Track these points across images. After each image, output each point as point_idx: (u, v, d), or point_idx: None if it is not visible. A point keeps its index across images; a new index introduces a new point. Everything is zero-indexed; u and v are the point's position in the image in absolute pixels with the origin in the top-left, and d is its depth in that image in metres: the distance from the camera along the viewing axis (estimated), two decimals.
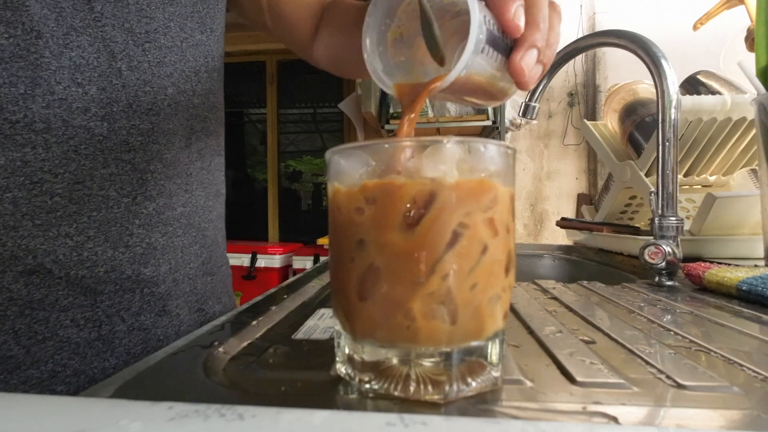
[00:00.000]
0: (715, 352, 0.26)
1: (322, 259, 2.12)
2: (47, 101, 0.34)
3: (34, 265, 0.34)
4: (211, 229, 0.47)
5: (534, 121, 2.44)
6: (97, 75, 0.36)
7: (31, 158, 0.33)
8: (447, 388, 0.19)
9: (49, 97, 0.34)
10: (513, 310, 0.36)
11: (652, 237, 0.52)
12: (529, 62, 0.28)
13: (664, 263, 0.48)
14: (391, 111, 2.09)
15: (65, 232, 0.35)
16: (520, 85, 0.29)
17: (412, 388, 0.20)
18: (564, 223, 0.97)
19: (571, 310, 0.37)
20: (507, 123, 2.12)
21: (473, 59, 0.25)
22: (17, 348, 0.34)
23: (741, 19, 0.81)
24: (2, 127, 0.33)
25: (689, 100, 0.72)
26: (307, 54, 0.59)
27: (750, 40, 0.76)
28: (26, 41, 0.33)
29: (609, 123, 0.96)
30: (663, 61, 0.52)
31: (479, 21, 0.25)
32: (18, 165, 0.33)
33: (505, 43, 0.28)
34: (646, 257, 0.49)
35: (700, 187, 0.83)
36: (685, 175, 0.82)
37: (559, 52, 0.66)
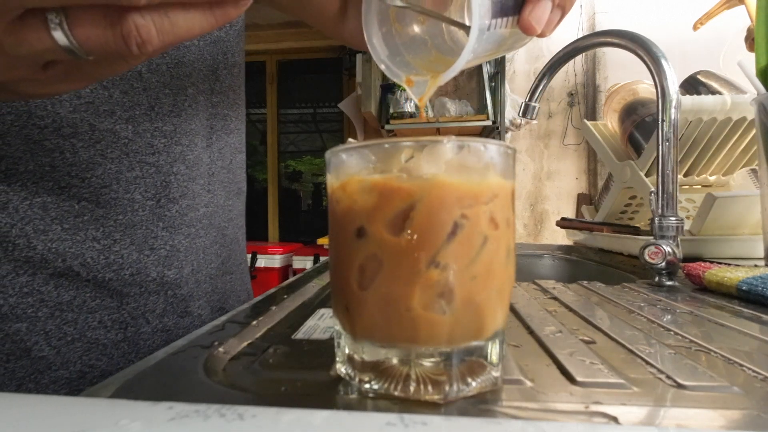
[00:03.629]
0: (715, 352, 0.26)
1: (322, 259, 2.12)
2: (74, 105, 0.34)
3: (63, 268, 0.34)
4: (231, 228, 0.48)
5: (534, 121, 2.44)
6: (119, 78, 0.36)
7: (60, 163, 0.34)
8: (447, 388, 0.19)
9: (75, 101, 0.34)
10: (513, 310, 0.36)
11: (652, 237, 0.52)
12: (541, 15, 0.27)
13: (664, 263, 0.48)
14: (391, 111, 2.09)
15: (92, 236, 0.35)
16: (538, 36, 0.28)
17: (412, 388, 0.20)
18: (564, 223, 0.97)
19: (571, 310, 0.37)
20: (507, 123, 2.12)
21: (479, 44, 0.24)
22: (48, 349, 0.34)
23: (741, 19, 0.81)
24: (31, 132, 0.33)
25: (689, 100, 0.72)
26: (336, 30, 0.55)
27: (750, 40, 0.76)
28: None
29: (609, 123, 0.96)
30: (663, 61, 0.52)
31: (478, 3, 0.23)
32: (47, 170, 0.34)
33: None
34: (646, 257, 0.49)
35: (700, 187, 0.83)
36: (685, 175, 0.82)
37: (559, 52, 0.66)
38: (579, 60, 2.50)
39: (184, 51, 0.40)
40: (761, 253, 0.56)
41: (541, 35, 0.29)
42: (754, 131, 0.71)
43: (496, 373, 0.21)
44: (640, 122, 0.85)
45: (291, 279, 0.53)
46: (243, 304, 0.49)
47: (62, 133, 0.34)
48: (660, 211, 0.52)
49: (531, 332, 0.30)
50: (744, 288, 0.40)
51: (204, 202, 0.43)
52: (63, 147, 0.34)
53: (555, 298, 0.41)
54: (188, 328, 0.42)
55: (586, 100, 2.52)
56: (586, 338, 0.29)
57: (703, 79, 0.87)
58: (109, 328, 0.37)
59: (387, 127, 2.09)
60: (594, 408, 0.19)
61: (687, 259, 0.55)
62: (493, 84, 2.25)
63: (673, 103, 0.52)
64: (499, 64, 2.09)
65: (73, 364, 0.35)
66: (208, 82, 0.43)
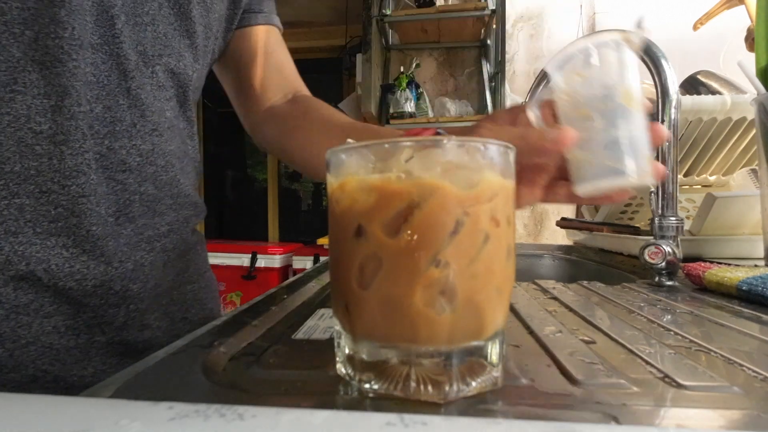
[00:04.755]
0: (715, 352, 0.26)
1: (322, 259, 2.12)
2: (72, 112, 0.34)
3: (26, 271, 0.34)
4: (190, 240, 0.47)
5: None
6: (105, 93, 0.37)
7: (46, 168, 0.34)
8: (447, 388, 0.19)
9: (75, 108, 0.35)
10: (513, 310, 0.36)
11: (652, 237, 0.52)
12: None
13: (664, 263, 0.48)
14: (391, 111, 2.09)
15: (63, 243, 0.35)
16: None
17: (412, 388, 0.20)
18: (564, 223, 0.97)
19: (571, 310, 0.37)
20: None
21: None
22: (1, 351, 0.34)
23: (741, 19, 0.81)
24: (25, 136, 0.33)
25: (689, 100, 0.72)
26: (250, 119, 0.60)
27: (750, 40, 0.76)
28: (55, 51, 0.34)
29: None
30: (663, 61, 0.52)
31: None
32: (32, 174, 0.34)
33: None
34: (646, 257, 0.49)
35: (700, 187, 0.83)
36: (685, 175, 0.81)
37: (559, 52, 0.66)
38: None
39: (168, 75, 0.42)
40: (761, 253, 0.56)
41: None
42: (754, 131, 0.71)
43: (496, 373, 0.21)
44: None
45: (291, 279, 0.53)
46: (211, 313, 0.49)
47: (55, 140, 0.34)
48: (660, 211, 0.52)
49: (531, 332, 0.30)
50: (744, 288, 0.40)
51: (167, 221, 0.43)
52: (52, 153, 0.34)
53: (555, 298, 0.41)
54: (147, 341, 0.41)
55: None
56: (586, 338, 0.29)
57: (703, 79, 0.87)
58: (63, 334, 0.36)
59: (387, 127, 2.09)
60: (594, 408, 0.19)
61: (687, 259, 0.55)
62: (493, 84, 2.25)
63: (673, 103, 0.52)
64: (499, 64, 2.09)
65: (25, 368, 0.35)
66: (183, 108, 0.45)
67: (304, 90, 0.62)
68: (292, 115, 0.56)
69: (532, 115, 0.36)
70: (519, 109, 0.39)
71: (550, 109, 0.37)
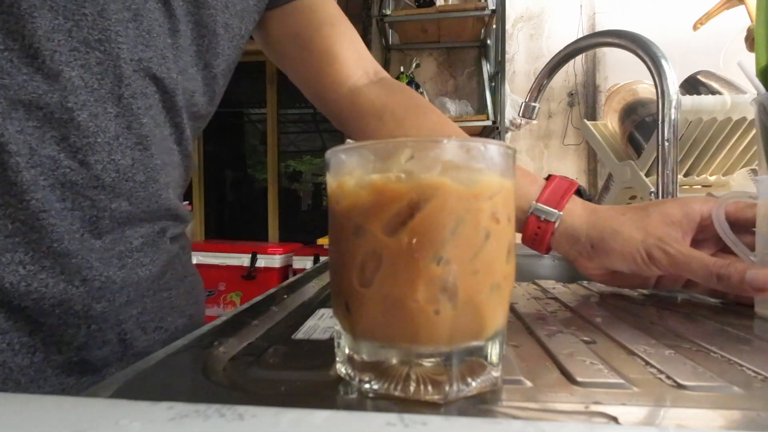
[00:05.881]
0: (715, 352, 0.26)
1: (322, 259, 2.12)
2: (22, 125, 0.32)
3: None
4: (170, 249, 0.44)
5: (534, 121, 2.44)
6: (93, 99, 0.34)
7: (2, 180, 0.32)
8: (447, 388, 0.19)
9: (25, 122, 0.32)
10: (513, 310, 0.36)
11: None
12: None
13: None
14: None
15: (19, 259, 0.33)
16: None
17: (412, 388, 0.20)
18: None
19: (571, 310, 0.37)
20: (507, 123, 2.12)
21: None
22: None
23: (741, 19, 0.81)
24: None
25: (689, 100, 0.72)
26: (331, 106, 0.53)
27: (750, 40, 0.76)
28: (22, 56, 0.31)
29: (609, 123, 0.96)
30: (663, 61, 0.52)
31: None
32: None
33: None
34: None
35: (700, 187, 0.83)
36: (685, 175, 0.82)
37: (559, 52, 0.66)
38: (579, 60, 2.50)
39: (157, 89, 0.38)
40: None
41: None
42: (754, 131, 0.71)
43: (496, 373, 0.21)
44: (640, 122, 0.86)
45: (291, 279, 0.53)
46: (191, 320, 0.46)
47: (8, 149, 0.32)
48: None
49: (531, 332, 0.30)
50: None
51: (141, 233, 0.39)
52: (7, 164, 0.32)
53: (555, 298, 0.41)
54: (115, 354, 0.38)
55: (586, 100, 2.52)
56: (586, 338, 0.29)
57: (703, 79, 0.87)
58: (17, 352, 0.34)
59: None
60: (594, 408, 0.19)
61: None
62: (493, 84, 2.25)
63: (673, 103, 0.52)
64: (499, 64, 2.09)
65: None
66: (172, 121, 0.41)
67: (383, 71, 0.55)
68: (392, 105, 0.49)
69: (719, 225, 0.36)
70: (696, 208, 0.37)
71: (739, 216, 0.37)
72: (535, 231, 0.42)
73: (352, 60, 0.52)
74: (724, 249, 0.39)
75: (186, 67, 0.41)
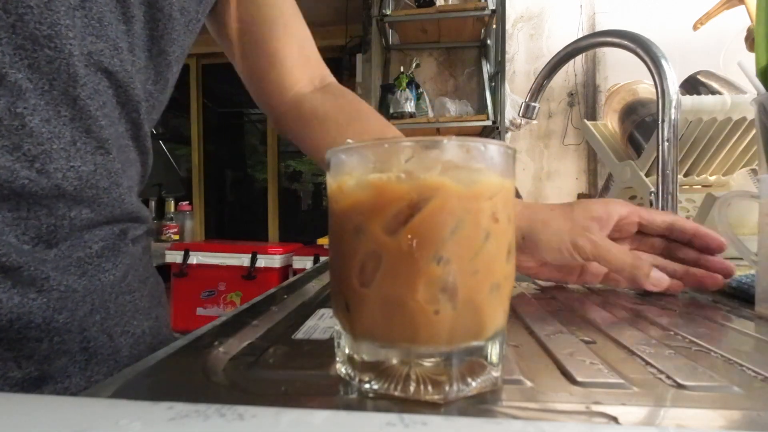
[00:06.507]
0: (715, 352, 0.26)
1: (322, 259, 2.12)
2: None
3: None
4: (133, 252, 0.41)
5: (534, 121, 2.44)
6: (44, 102, 0.31)
7: None
8: (447, 388, 0.19)
9: None
10: (513, 310, 0.36)
11: None
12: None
13: None
14: (391, 111, 2.09)
15: None
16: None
17: (412, 388, 0.20)
18: None
19: (571, 310, 0.37)
20: (507, 123, 2.12)
21: None
22: None
23: (741, 19, 0.81)
24: None
25: (689, 100, 0.72)
26: (274, 111, 0.52)
27: (750, 40, 0.76)
28: None
29: (609, 123, 0.96)
30: (663, 61, 0.52)
31: None
32: None
33: None
34: None
35: (700, 187, 0.83)
36: (685, 175, 0.81)
37: (559, 52, 0.66)
38: (579, 60, 2.50)
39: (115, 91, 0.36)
40: None
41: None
42: (754, 131, 0.71)
43: (496, 374, 0.21)
44: (640, 122, 0.85)
45: (291, 279, 0.53)
46: (157, 321, 0.44)
47: None
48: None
49: (531, 332, 0.30)
50: (733, 285, 0.41)
51: (100, 236, 0.37)
52: None
53: (555, 298, 0.41)
54: (68, 369, 0.36)
55: (586, 100, 2.52)
56: (586, 338, 0.29)
57: (703, 79, 0.87)
58: None
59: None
60: (594, 408, 0.19)
61: None
62: (493, 84, 2.25)
63: (673, 103, 0.52)
64: (499, 64, 2.09)
65: None
66: (128, 106, 0.38)
67: (330, 75, 0.54)
68: (335, 112, 0.48)
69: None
70: (616, 208, 0.42)
71: (650, 220, 0.43)
72: None
73: (299, 66, 0.51)
74: (637, 249, 0.44)
75: (140, 55, 0.38)
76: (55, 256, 0.34)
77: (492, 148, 0.21)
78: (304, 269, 1.72)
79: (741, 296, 0.40)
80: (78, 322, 0.35)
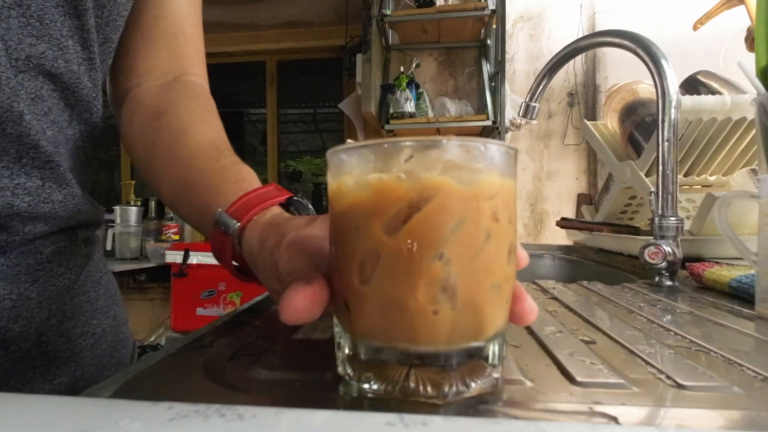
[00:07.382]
0: (715, 352, 0.26)
1: None
2: None
3: None
4: (86, 253, 0.40)
5: (534, 121, 2.44)
6: None
7: None
8: (446, 389, 0.19)
9: None
10: None
11: (652, 237, 0.52)
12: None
13: (664, 263, 0.48)
14: (391, 111, 2.09)
15: None
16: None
17: (411, 389, 0.19)
18: (564, 223, 0.97)
19: (571, 310, 0.37)
20: (507, 123, 2.12)
21: None
22: None
23: (741, 19, 0.81)
24: None
25: (689, 100, 0.72)
26: (113, 100, 0.44)
27: (750, 40, 0.76)
28: None
29: (609, 123, 0.96)
30: (663, 61, 0.52)
31: None
32: None
33: None
34: (646, 257, 0.49)
35: (700, 187, 0.83)
36: (685, 175, 0.81)
37: (559, 52, 0.66)
38: (579, 60, 2.50)
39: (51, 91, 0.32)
40: None
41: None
42: (754, 131, 0.71)
43: (496, 374, 0.21)
44: (640, 122, 0.85)
45: None
46: (116, 319, 0.43)
47: None
48: (660, 211, 0.52)
49: (531, 332, 0.30)
50: (734, 285, 0.41)
51: (51, 240, 0.35)
52: None
53: (555, 298, 0.41)
54: (28, 376, 0.34)
55: (586, 100, 2.52)
56: (586, 338, 0.29)
57: (703, 79, 0.86)
58: None
59: (387, 127, 2.09)
60: (594, 408, 0.19)
61: (687, 259, 0.55)
62: (493, 84, 2.25)
63: (673, 103, 0.52)
64: (499, 64, 2.09)
65: None
66: (78, 107, 0.35)
67: (198, 74, 0.45)
68: (153, 112, 0.41)
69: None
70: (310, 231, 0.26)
71: (305, 245, 0.25)
72: (218, 242, 0.33)
73: (155, 59, 0.43)
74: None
75: (88, 48, 0.35)
76: (4, 265, 0.32)
77: (492, 147, 0.21)
78: None
79: (741, 296, 0.40)
80: (35, 329, 0.34)
